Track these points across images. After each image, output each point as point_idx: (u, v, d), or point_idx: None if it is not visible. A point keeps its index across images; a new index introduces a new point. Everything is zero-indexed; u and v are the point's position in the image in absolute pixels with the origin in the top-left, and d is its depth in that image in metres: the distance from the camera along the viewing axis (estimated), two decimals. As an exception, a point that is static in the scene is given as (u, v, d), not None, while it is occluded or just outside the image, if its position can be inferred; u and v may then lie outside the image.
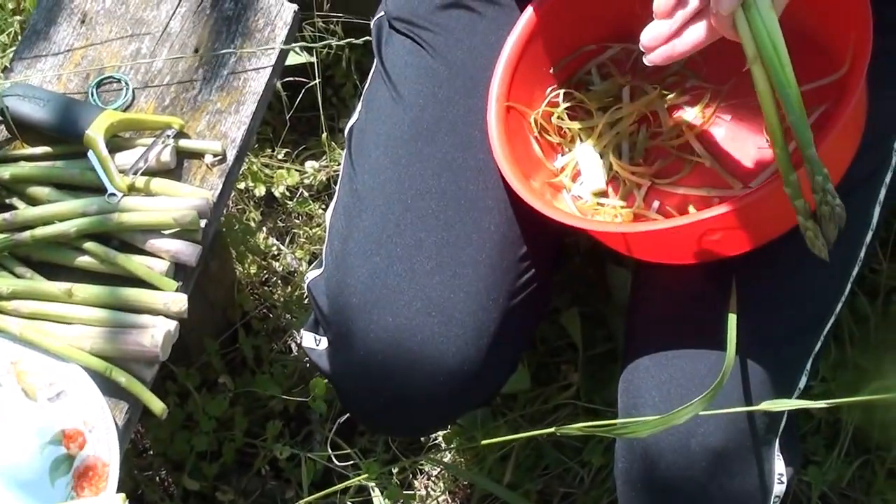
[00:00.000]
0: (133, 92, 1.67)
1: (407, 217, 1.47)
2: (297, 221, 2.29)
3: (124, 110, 1.66)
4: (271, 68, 1.70)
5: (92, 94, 1.66)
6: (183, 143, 1.62)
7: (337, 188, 1.59)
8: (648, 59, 1.28)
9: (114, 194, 1.54)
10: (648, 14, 1.53)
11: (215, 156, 1.62)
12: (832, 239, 1.25)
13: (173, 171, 1.62)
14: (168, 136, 1.60)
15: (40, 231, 1.53)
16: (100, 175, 1.56)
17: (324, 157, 2.31)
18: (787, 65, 1.19)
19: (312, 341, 1.60)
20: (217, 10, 1.73)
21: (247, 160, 2.22)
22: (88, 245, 1.53)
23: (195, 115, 1.66)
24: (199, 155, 1.63)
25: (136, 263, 1.52)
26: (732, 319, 1.32)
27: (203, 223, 1.55)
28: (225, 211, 1.83)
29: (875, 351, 2.01)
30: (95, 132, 1.56)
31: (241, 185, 2.25)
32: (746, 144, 1.50)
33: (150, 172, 1.59)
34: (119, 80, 1.67)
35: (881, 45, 1.34)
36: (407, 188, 1.49)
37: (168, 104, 1.67)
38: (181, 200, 1.55)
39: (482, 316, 1.45)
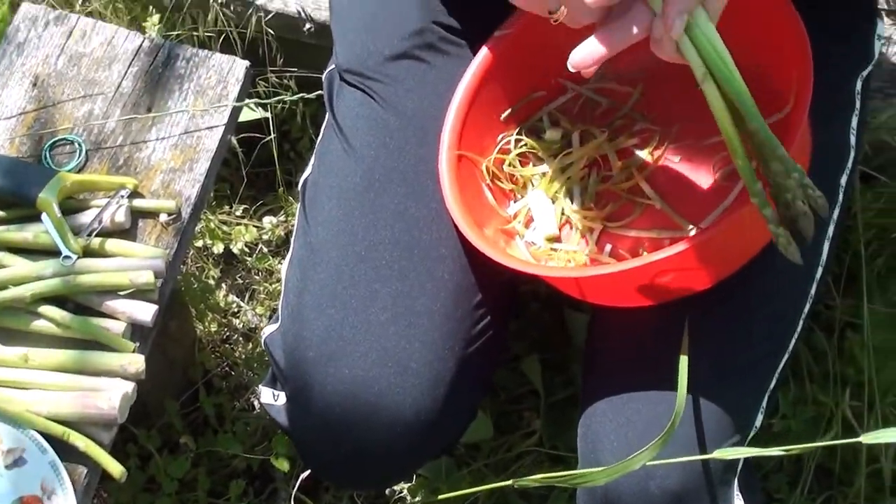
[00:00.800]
0: (86, 153, 1.67)
1: (361, 269, 1.48)
2: (256, 277, 2.30)
3: (78, 172, 1.66)
4: (224, 125, 1.70)
5: (45, 157, 1.66)
6: (137, 202, 1.62)
7: (292, 242, 1.60)
8: (572, 64, 1.24)
9: (69, 257, 1.54)
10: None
11: (170, 215, 1.62)
12: (809, 234, 1.24)
13: (128, 232, 1.61)
14: (122, 197, 1.61)
15: (-5, 297, 1.53)
16: (54, 238, 1.55)
17: (282, 212, 2.32)
18: (737, 74, 1.19)
19: (271, 397, 1.60)
20: (169, 69, 1.74)
21: (204, 217, 2.22)
22: (44, 309, 1.52)
23: (149, 174, 1.67)
24: (153, 214, 1.63)
25: (92, 326, 1.51)
26: (684, 362, 1.33)
27: (159, 283, 1.55)
28: (183, 269, 1.84)
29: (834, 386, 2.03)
30: (49, 195, 1.56)
31: (199, 243, 2.26)
32: (696, 184, 1.52)
33: (105, 233, 1.59)
34: (72, 142, 1.68)
35: (826, 80, 1.36)
36: (360, 240, 1.49)
37: (122, 164, 1.67)
38: (136, 261, 1.55)
39: (438, 365, 1.46)
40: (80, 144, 1.67)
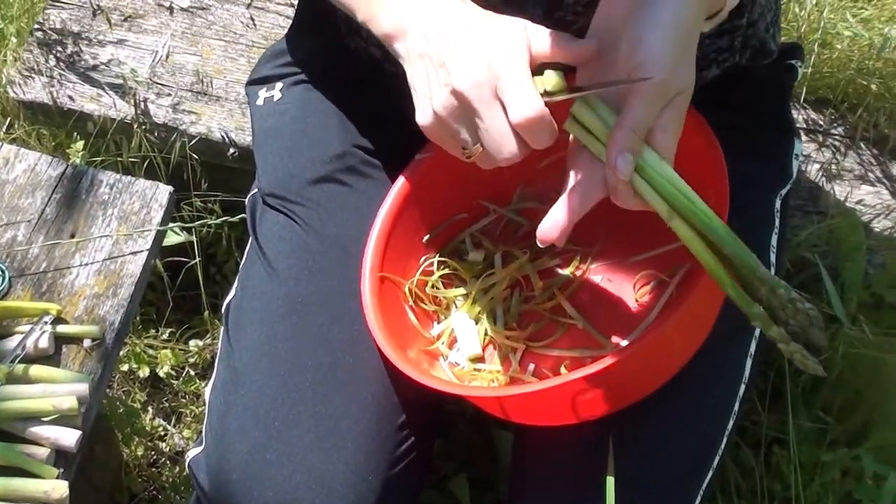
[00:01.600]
0: (9, 280, 1.67)
1: (284, 392, 1.48)
2: (183, 400, 2.29)
3: (1, 298, 1.66)
4: (148, 250, 1.72)
5: (-33, 284, 1.67)
6: (60, 328, 1.62)
7: (216, 365, 1.60)
8: (540, 241, 1.28)
9: (-8, 383, 1.54)
10: (517, 181, 1.59)
11: (94, 340, 1.62)
12: (825, 343, 1.24)
13: (52, 357, 1.61)
14: (45, 323, 1.61)
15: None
16: (-23, 365, 1.55)
17: (208, 335, 2.32)
18: (702, 204, 1.22)
19: (196, 521, 1.59)
20: (93, 195, 1.76)
21: (129, 342, 2.22)
22: (-34, 436, 1.52)
23: (73, 299, 1.67)
24: (77, 339, 1.63)
25: (14, 452, 1.51)
26: (610, 483, 1.34)
27: (83, 408, 1.55)
28: (108, 393, 1.83)
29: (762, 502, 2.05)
30: (-29, 323, 1.57)
31: (126, 367, 2.25)
32: (619, 302, 1.54)
33: (29, 360, 1.58)
34: (-5, 269, 1.68)
35: (746, 200, 1.39)
36: (283, 363, 1.50)
37: (45, 290, 1.68)
38: (60, 386, 1.55)
39: (362, 487, 1.45)
40: (3, 271, 1.68)
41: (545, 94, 1.23)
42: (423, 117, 1.30)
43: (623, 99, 1.22)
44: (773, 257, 1.63)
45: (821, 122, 2.24)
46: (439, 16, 1.31)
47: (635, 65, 1.21)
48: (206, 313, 2.26)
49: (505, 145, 1.24)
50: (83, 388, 1.55)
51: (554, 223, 1.26)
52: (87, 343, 1.63)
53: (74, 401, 1.53)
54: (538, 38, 1.28)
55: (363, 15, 1.41)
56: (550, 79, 1.24)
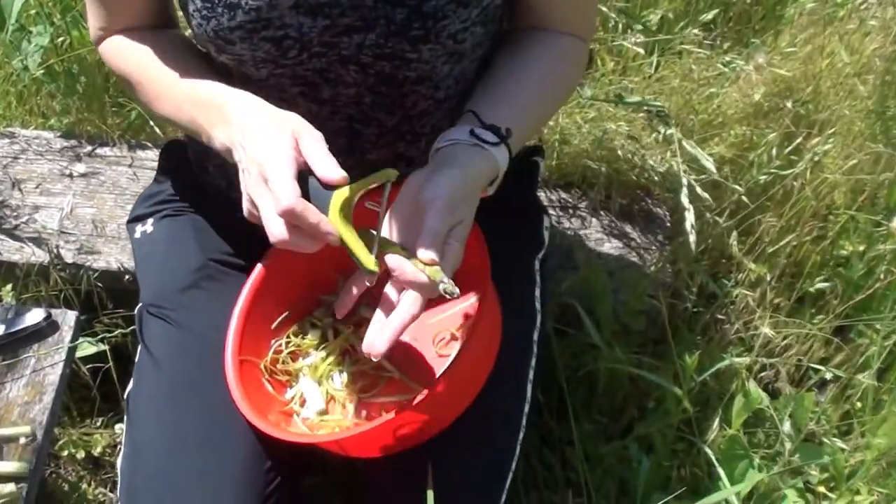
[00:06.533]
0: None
1: (175, 455, 1.47)
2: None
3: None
4: (63, 363, 1.71)
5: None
6: (1, 431, 1.60)
7: (123, 441, 1.57)
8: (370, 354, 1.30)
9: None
10: (338, 272, 1.59)
11: (27, 437, 1.60)
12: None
13: (-5, 454, 1.59)
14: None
15: None
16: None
17: (129, 420, 2.27)
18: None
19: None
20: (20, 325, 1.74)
21: (65, 432, 2.18)
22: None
23: (8, 408, 1.66)
24: (14, 439, 1.60)
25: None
26: (430, 495, 1.34)
27: (23, 490, 1.53)
28: (55, 474, 1.79)
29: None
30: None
31: (66, 452, 2.19)
32: (423, 356, 1.55)
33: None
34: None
35: (511, 263, 1.41)
36: (172, 432, 1.49)
37: (-14, 403, 1.65)
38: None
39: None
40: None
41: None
42: (244, 211, 1.30)
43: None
44: (538, 305, 1.65)
45: (570, 199, 2.29)
46: (247, 129, 1.31)
47: (427, 197, 1.26)
48: (122, 404, 2.21)
49: (270, 228, 1.24)
50: (23, 473, 1.53)
51: (374, 338, 1.29)
52: (22, 440, 1.60)
53: (13, 486, 1.50)
54: (306, 138, 1.28)
55: (205, 138, 1.42)
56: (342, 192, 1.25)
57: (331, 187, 1.25)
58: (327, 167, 1.24)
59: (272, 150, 1.26)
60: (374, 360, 1.29)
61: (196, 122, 1.42)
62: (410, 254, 1.26)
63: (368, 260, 1.25)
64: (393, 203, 1.35)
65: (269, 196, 1.23)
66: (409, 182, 1.33)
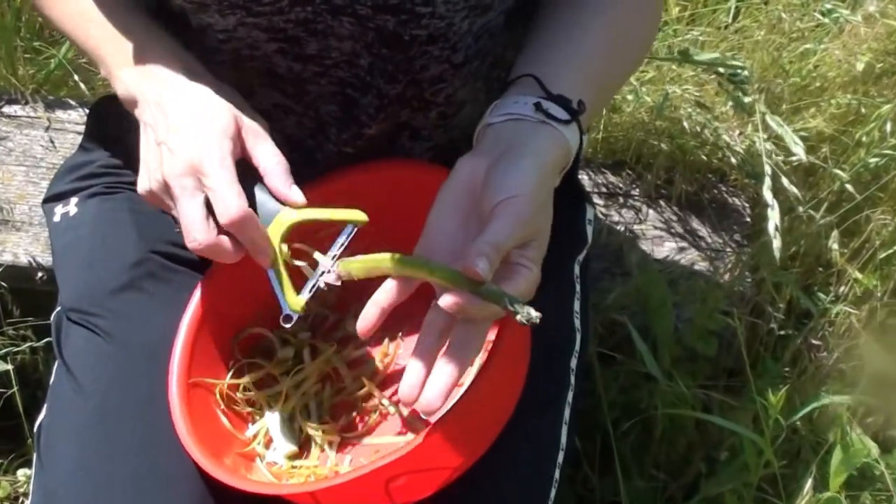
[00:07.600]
0: None
1: (100, 502, 1.45)
2: (24, 527, 2.24)
3: None
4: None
5: None
6: None
7: (30, 492, 1.56)
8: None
9: None
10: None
11: None
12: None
13: None
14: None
15: None
16: None
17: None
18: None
19: None
20: None
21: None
22: None
23: None
24: None
25: None
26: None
27: None
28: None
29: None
30: None
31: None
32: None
33: None
34: None
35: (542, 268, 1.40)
36: (97, 475, 1.46)
37: None
38: None
39: None
40: None
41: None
42: (140, 186, 1.36)
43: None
44: (577, 322, 1.64)
45: (620, 184, 2.28)
46: (163, 86, 1.35)
47: (500, 198, 1.23)
48: (30, 441, 2.21)
49: (192, 230, 1.29)
50: None
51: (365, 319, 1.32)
52: None
53: None
54: (257, 138, 1.35)
55: (104, 72, 1.44)
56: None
57: (284, 203, 1.34)
58: (287, 183, 1.33)
59: (209, 137, 1.29)
60: (431, 420, 1.30)
61: (98, 50, 1.45)
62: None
63: (294, 300, 1.35)
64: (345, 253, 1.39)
65: (199, 195, 1.29)
66: (460, 171, 1.30)
